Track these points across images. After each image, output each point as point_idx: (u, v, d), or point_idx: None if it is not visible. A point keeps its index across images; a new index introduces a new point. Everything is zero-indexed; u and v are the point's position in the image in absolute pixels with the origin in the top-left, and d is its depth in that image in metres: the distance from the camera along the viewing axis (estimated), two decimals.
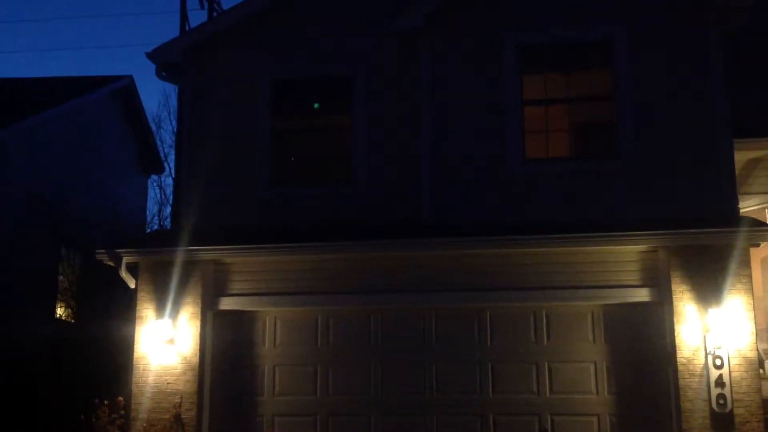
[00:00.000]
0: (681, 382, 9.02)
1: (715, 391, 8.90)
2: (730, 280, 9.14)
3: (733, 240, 9.15)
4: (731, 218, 9.44)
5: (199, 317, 9.92)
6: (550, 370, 9.63)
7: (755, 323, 9.15)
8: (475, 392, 9.67)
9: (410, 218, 10.24)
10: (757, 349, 9.17)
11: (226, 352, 10.05)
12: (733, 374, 8.94)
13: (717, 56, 9.98)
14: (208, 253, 9.97)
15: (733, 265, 9.16)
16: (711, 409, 8.89)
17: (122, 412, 9.44)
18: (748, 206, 10.51)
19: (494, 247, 9.69)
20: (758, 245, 9.54)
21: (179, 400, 9.63)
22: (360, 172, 10.74)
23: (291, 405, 9.93)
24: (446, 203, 10.25)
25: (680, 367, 9.05)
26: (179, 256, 9.87)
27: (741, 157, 10.43)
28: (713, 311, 9.05)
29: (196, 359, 9.80)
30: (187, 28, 14.70)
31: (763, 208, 11.04)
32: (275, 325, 10.16)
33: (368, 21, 10.97)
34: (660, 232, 9.32)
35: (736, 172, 9.85)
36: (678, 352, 9.09)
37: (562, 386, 9.56)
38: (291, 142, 11.34)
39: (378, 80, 10.91)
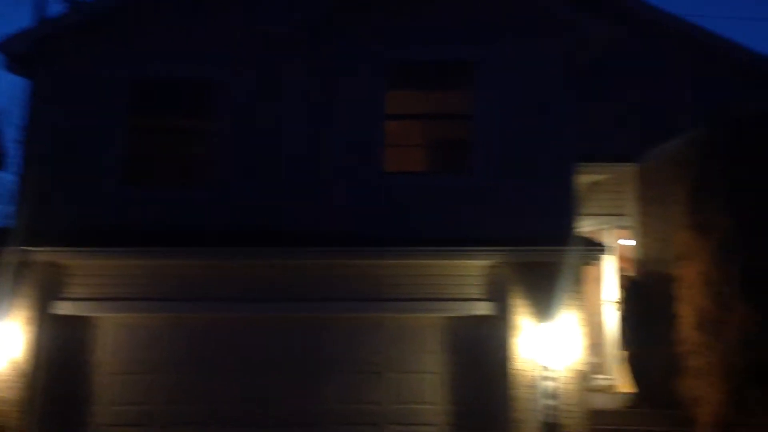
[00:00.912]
0: (514, 393, 9.36)
1: (545, 402, 9.28)
2: (563, 297, 9.54)
3: (569, 258, 9.57)
4: (568, 238, 9.87)
5: (33, 322, 9.51)
6: (392, 380, 9.78)
7: (586, 338, 9.61)
8: (317, 403, 9.71)
9: (265, 226, 10.14)
10: (588, 363, 9.64)
11: (61, 358, 9.63)
12: (563, 387, 9.34)
13: (569, 86, 10.42)
14: (43, 254, 9.57)
15: (567, 282, 9.58)
16: (541, 419, 9.25)
17: None
18: (586, 226, 11.01)
19: (344, 257, 9.80)
20: (592, 264, 10.06)
21: (7, 408, 9.19)
22: (219, 177, 10.48)
23: (127, 414, 9.66)
24: (300, 214, 10.21)
25: (514, 379, 9.39)
26: (13, 256, 9.43)
27: (582, 180, 10.98)
28: (546, 325, 9.45)
29: (28, 366, 9.39)
30: (42, 19, 14.07)
31: (600, 230, 11.63)
32: (115, 332, 9.85)
33: (231, 24, 10.79)
34: (501, 248, 9.66)
35: (577, 194, 10.31)
36: (513, 363, 9.44)
37: (403, 397, 9.73)
38: (148, 144, 11.00)
39: (243, 84, 10.74)
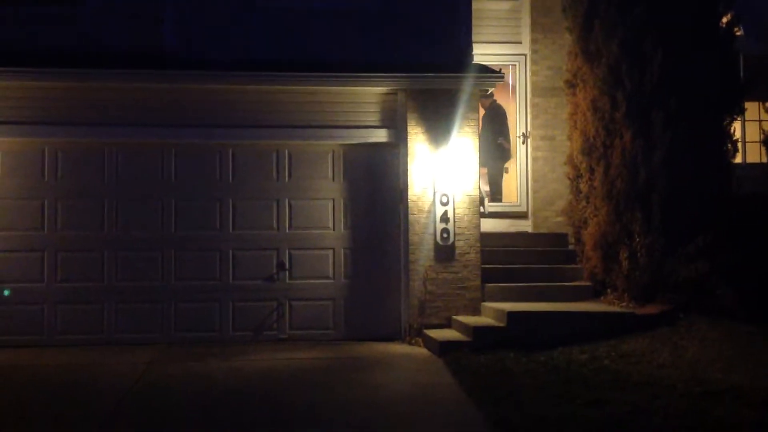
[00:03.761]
0: (410, 218, 9.62)
1: (440, 226, 9.60)
2: (459, 124, 9.70)
3: (465, 85, 9.65)
4: (465, 65, 9.88)
5: None
6: (290, 206, 9.84)
7: (479, 165, 9.87)
8: (215, 228, 9.72)
9: (151, 49, 9.63)
10: (479, 189, 9.95)
11: None
12: (456, 211, 9.66)
13: None
14: None
15: (462, 110, 9.71)
16: (435, 242, 9.60)
17: None
18: (482, 54, 11.02)
19: (242, 83, 9.58)
20: (487, 91, 10.18)
21: None
22: None
23: (14, 239, 9.39)
24: (191, 37, 9.76)
25: (410, 204, 9.62)
26: None
27: (479, 7, 10.90)
28: (442, 151, 9.63)
29: None
30: None
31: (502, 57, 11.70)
32: None
33: None
34: (398, 75, 9.62)
35: (473, 22, 10.23)
36: (409, 190, 9.64)
37: (301, 222, 9.85)
38: None
39: None
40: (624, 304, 9.31)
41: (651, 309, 9.01)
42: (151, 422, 6.35)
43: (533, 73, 11.75)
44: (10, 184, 9.45)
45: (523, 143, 11.74)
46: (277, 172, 9.84)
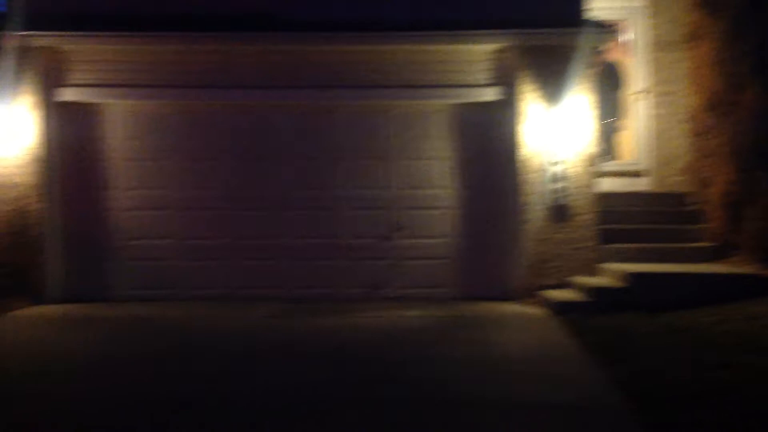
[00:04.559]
0: (523, 177, 9.49)
1: (553, 186, 9.44)
2: (573, 81, 9.45)
3: (579, 41, 9.38)
4: (579, 20, 9.59)
5: (41, 108, 9.38)
6: (402, 166, 9.88)
7: (597, 122, 9.63)
8: (329, 188, 9.86)
9: (271, 12, 9.71)
10: (595, 147, 9.73)
11: (72, 145, 9.65)
12: (570, 170, 9.48)
13: None
14: (45, 39, 9.28)
15: (577, 66, 9.45)
16: (549, 202, 9.46)
17: None
18: (597, 9, 10.70)
19: (350, 44, 9.56)
20: (601, 47, 9.89)
21: (25, 192, 9.29)
22: None
23: (143, 198, 9.79)
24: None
25: (522, 164, 9.48)
26: (15, 42, 9.12)
27: None
28: (555, 110, 9.43)
29: (41, 151, 9.37)
30: None
31: (615, 11, 11.33)
32: (124, 119, 9.78)
33: None
34: (511, 31, 9.42)
35: None
36: (521, 149, 9.49)
37: (414, 182, 9.87)
38: None
39: None
40: (749, 266, 8.98)
41: None
42: (280, 361, 6.60)
43: (650, 27, 11.32)
44: (140, 146, 9.82)
45: (640, 100, 11.39)
46: (389, 131, 9.87)
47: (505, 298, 9.48)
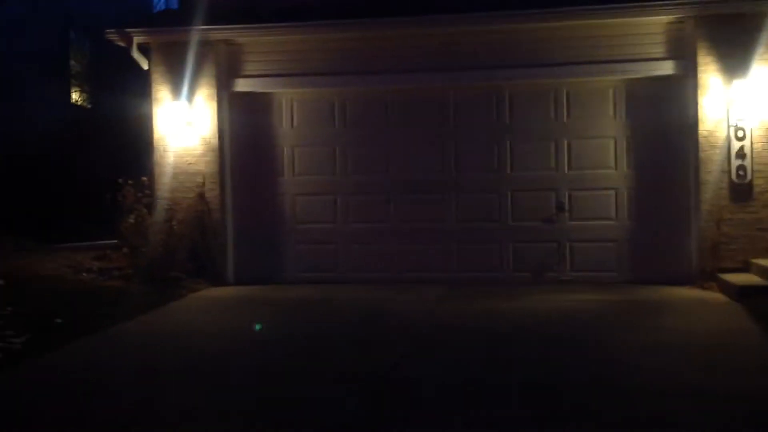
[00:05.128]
0: (702, 154, 9.00)
1: (735, 163, 8.91)
2: (757, 50, 8.85)
3: (764, 7, 8.76)
4: None
5: (215, 99, 9.84)
6: (569, 146, 9.61)
7: None
8: (494, 170, 9.74)
9: None
10: None
11: (244, 134, 10.06)
12: (754, 146, 8.90)
13: None
14: (221, 32, 9.73)
15: (761, 35, 8.84)
16: (730, 180, 8.93)
17: (147, 192, 9.63)
18: None
19: (514, 21, 9.39)
20: None
21: (202, 180, 9.78)
22: None
23: (310, 184, 10.07)
24: None
25: (701, 140, 9.00)
26: (192, 36, 9.60)
27: None
28: (738, 82, 8.87)
29: (215, 140, 9.84)
30: None
31: None
32: (292, 107, 10.09)
33: None
34: (687, 0, 8.93)
35: None
36: (700, 124, 9.00)
37: (581, 162, 9.59)
38: None
39: None
40: None
41: None
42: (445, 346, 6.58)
43: None
44: (307, 133, 10.08)
45: None
46: (555, 111, 9.63)
47: (680, 282, 9.04)
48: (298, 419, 4.71)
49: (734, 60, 8.90)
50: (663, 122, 9.34)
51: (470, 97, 9.78)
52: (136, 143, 11.45)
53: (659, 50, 9.29)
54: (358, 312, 8.16)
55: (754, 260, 8.67)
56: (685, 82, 9.15)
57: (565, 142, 9.62)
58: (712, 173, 8.97)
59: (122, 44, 9.86)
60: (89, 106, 16.82)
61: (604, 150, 9.55)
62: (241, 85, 9.94)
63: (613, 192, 9.54)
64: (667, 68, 9.23)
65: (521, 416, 4.70)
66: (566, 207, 9.59)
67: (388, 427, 4.58)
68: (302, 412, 4.85)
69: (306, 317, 8.09)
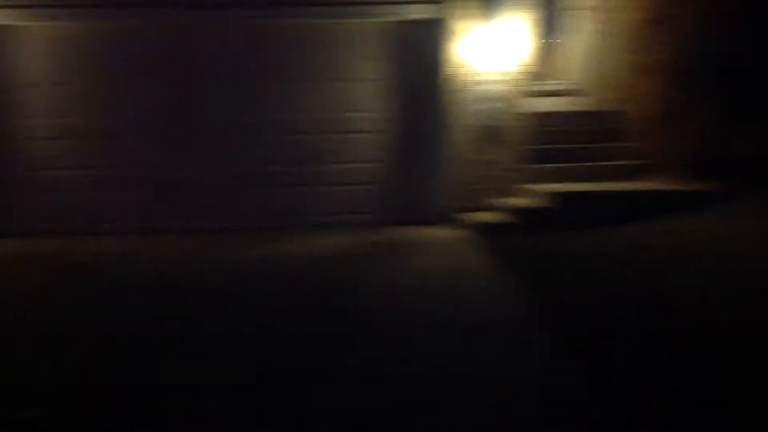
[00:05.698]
0: (449, 97, 9.07)
1: (480, 105, 9.06)
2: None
3: None
4: None
5: None
6: (328, 89, 9.39)
7: (536, 41, 9.19)
8: (255, 113, 9.35)
9: None
10: (526, 66, 9.27)
11: None
12: (500, 90, 9.10)
13: None
14: None
15: None
16: (475, 122, 9.08)
17: None
18: None
19: None
20: None
21: None
22: None
23: (54, 128, 9.23)
24: None
25: (449, 83, 9.06)
26: None
27: None
28: (487, 27, 8.96)
29: None
30: None
31: None
32: (36, 42, 9.09)
33: None
34: None
35: None
36: (448, 68, 9.05)
37: (340, 104, 9.41)
38: None
39: None
40: (678, 182, 8.67)
41: (706, 187, 8.35)
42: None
43: None
44: (52, 71, 9.23)
45: (581, 18, 10.93)
46: (314, 52, 9.33)
47: (428, 222, 9.14)
48: None
49: (488, 5, 8.98)
50: (419, 66, 9.29)
51: (221, 36, 9.30)
52: None
53: None
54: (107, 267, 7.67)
55: (498, 199, 8.90)
56: (439, 25, 9.14)
57: (324, 85, 9.41)
58: (461, 116, 9.09)
59: None
60: None
61: (363, 93, 9.42)
62: None
63: (371, 135, 9.47)
64: (422, 12, 9.15)
65: None
66: (324, 150, 9.42)
67: None
68: None
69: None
